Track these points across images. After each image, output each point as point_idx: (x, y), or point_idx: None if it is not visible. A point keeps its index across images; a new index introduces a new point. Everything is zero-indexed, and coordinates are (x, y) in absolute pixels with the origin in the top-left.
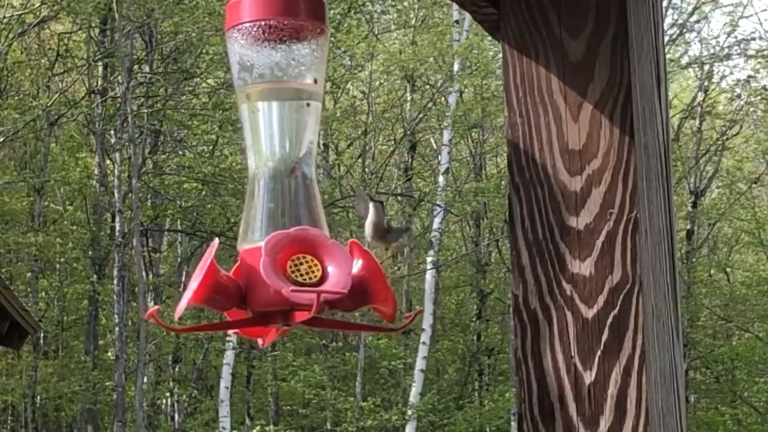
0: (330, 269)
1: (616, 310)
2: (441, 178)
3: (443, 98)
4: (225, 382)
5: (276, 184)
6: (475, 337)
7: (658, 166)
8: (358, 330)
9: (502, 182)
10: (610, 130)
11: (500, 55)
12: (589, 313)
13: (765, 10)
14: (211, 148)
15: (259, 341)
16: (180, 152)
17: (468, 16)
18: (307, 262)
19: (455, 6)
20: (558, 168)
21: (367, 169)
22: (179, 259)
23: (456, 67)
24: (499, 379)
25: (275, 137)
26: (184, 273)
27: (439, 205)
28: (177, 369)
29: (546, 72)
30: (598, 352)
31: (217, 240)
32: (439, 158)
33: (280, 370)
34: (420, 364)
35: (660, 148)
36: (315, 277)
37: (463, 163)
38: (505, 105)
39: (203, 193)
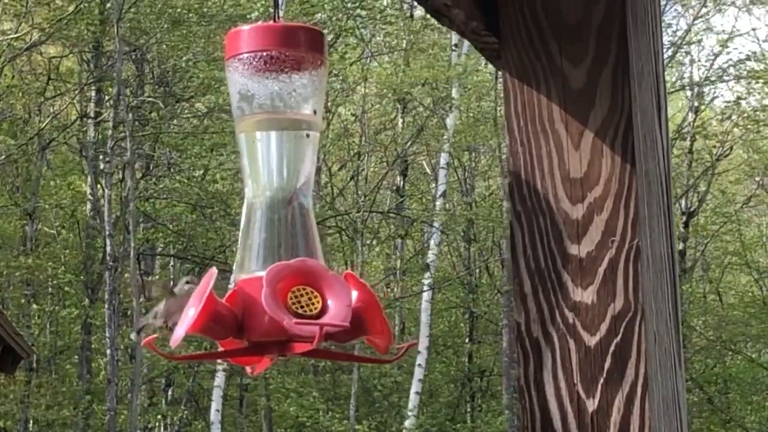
0: (330, 302)
1: (618, 338)
2: (438, 201)
3: (438, 120)
4: (216, 405)
5: (273, 214)
6: (466, 359)
7: (659, 192)
8: (351, 361)
9: (493, 205)
10: (612, 158)
11: (496, 78)
12: (592, 341)
13: (755, 29)
14: (202, 172)
15: (248, 369)
16: (172, 176)
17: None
18: (307, 294)
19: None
20: (559, 196)
21: (360, 191)
22: (171, 283)
23: (455, 91)
24: (492, 401)
25: (274, 167)
26: None
27: (435, 228)
28: (170, 392)
29: (547, 100)
30: (601, 380)
31: (215, 269)
32: (432, 180)
33: (274, 393)
34: (416, 386)
35: (661, 175)
36: (315, 309)
37: (455, 185)
38: (506, 133)
39: (194, 216)
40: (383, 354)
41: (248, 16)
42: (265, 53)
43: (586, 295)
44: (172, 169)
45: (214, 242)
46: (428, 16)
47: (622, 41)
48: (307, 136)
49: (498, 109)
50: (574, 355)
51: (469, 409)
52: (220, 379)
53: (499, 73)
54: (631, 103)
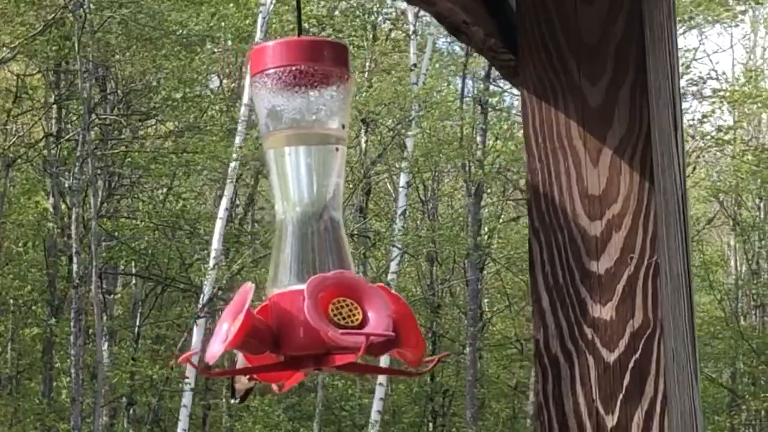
0: (370, 313)
1: (637, 355)
2: (398, 221)
3: (401, 141)
4: (183, 425)
5: (305, 228)
6: (429, 378)
7: (676, 210)
8: (383, 374)
9: (453, 228)
10: (630, 176)
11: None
12: (611, 357)
13: (716, 51)
14: (165, 191)
15: (275, 387)
16: (136, 196)
17: (425, 60)
18: (347, 305)
19: (413, 49)
20: (578, 213)
21: None
22: (133, 301)
23: (414, 111)
24: (454, 419)
25: (304, 182)
26: (138, 315)
27: (397, 247)
28: (132, 411)
29: (565, 118)
30: (620, 396)
31: (251, 284)
32: (394, 200)
33: (238, 411)
34: (377, 405)
35: (678, 193)
36: (356, 320)
37: (416, 206)
38: (525, 150)
39: (156, 235)
40: (415, 366)
41: (217, 35)
42: (294, 68)
43: (605, 312)
44: (135, 188)
45: (176, 261)
46: (393, 36)
47: (641, 59)
48: (337, 150)
49: (463, 129)
50: (593, 372)
51: (431, 428)
52: (187, 398)
53: (467, 91)
54: (649, 121)
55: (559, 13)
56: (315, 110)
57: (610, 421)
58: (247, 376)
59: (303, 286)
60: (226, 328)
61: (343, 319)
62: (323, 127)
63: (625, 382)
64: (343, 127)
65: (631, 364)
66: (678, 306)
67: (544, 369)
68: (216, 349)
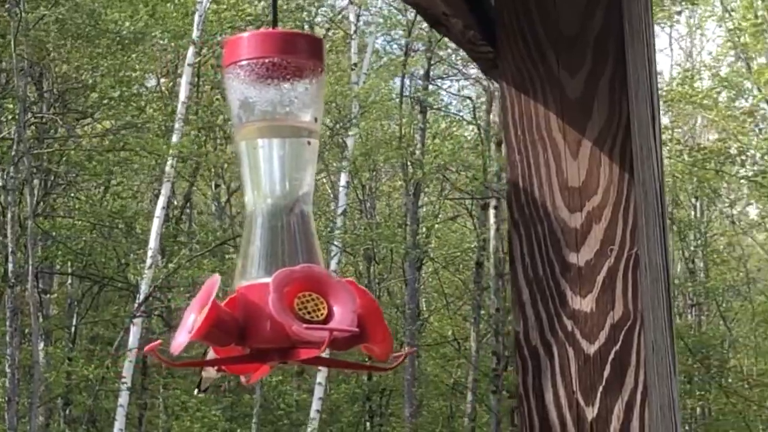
0: (335, 308)
1: (617, 346)
2: (338, 220)
3: (341, 140)
4: (120, 424)
5: (274, 221)
6: (366, 377)
7: (655, 202)
8: (351, 368)
9: (390, 225)
10: (610, 167)
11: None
12: (591, 349)
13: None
14: (102, 190)
15: (243, 378)
16: (72, 195)
17: (366, 60)
18: (313, 299)
19: (354, 49)
20: (558, 205)
21: None
22: (69, 301)
23: (354, 110)
24: (391, 419)
25: (275, 175)
26: (75, 315)
27: (337, 246)
28: (68, 411)
29: (544, 109)
30: (600, 388)
31: (218, 276)
32: (333, 200)
33: (174, 411)
34: (316, 404)
35: (656, 185)
36: (321, 315)
37: (354, 205)
38: (504, 142)
39: (93, 234)
40: (382, 361)
41: (154, 33)
42: (267, 60)
43: (585, 304)
44: (72, 187)
45: (113, 261)
46: (331, 35)
47: (620, 51)
48: (309, 143)
49: (402, 128)
50: (573, 363)
51: (368, 428)
52: (124, 398)
53: (406, 92)
54: (629, 112)
55: (537, 4)
56: (288, 102)
57: (591, 412)
58: (215, 368)
59: (270, 279)
60: (193, 319)
61: (308, 313)
62: (296, 120)
63: (606, 373)
64: (316, 120)
65: (611, 356)
66: (657, 297)
67: (524, 361)
68: (182, 339)
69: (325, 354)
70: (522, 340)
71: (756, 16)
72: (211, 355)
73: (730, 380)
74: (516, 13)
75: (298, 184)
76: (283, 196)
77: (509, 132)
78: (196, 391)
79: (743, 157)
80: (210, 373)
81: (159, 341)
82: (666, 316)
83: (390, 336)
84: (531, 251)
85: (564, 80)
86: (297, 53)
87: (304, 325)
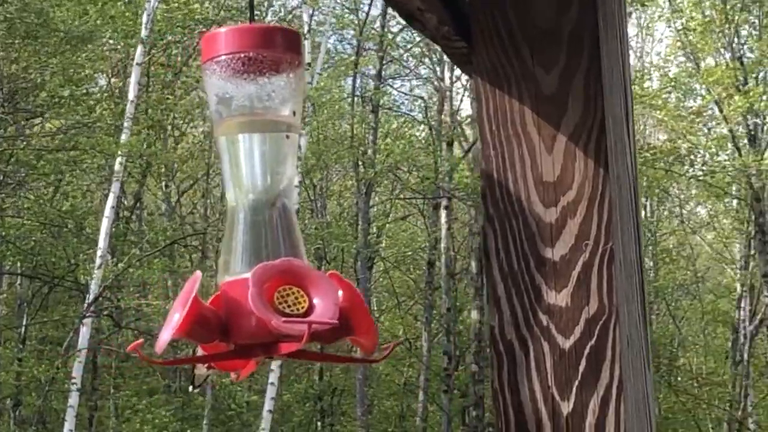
0: (316, 300)
1: (593, 341)
2: None
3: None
4: (69, 425)
5: (256, 216)
6: (317, 377)
7: (629, 197)
8: (337, 362)
9: (341, 223)
10: (585, 162)
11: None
12: (566, 344)
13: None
14: (52, 189)
15: (233, 375)
16: (21, 194)
17: (320, 59)
18: (293, 293)
19: (307, 48)
20: (533, 200)
21: (210, 210)
22: (19, 301)
23: (308, 110)
24: (342, 418)
25: (256, 169)
26: (24, 315)
27: None
28: (18, 412)
29: (519, 105)
30: (576, 382)
31: (199, 273)
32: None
33: (124, 412)
34: (268, 404)
35: (630, 180)
36: (302, 308)
37: (306, 204)
38: (479, 138)
39: (43, 234)
40: (369, 354)
41: (104, 33)
42: (243, 55)
43: (560, 298)
44: (22, 187)
45: (63, 261)
46: None
47: (594, 46)
48: (287, 137)
49: (353, 128)
50: (548, 358)
51: (319, 427)
52: (74, 399)
53: (357, 92)
54: (603, 107)
55: None
56: (265, 97)
57: (566, 407)
58: (206, 365)
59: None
60: (177, 317)
61: (289, 307)
62: (275, 114)
63: (581, 368)
64: (295, 114)
65: (586, 351)
66: (632, 292)
67: (499, 356)
68: (164, 337)
69: (315, 348)
70: (497, 335)
71: (704, 15)
72: (199, 352)
73: (679, 379)
74: (490, 9)
75: (279, 178)
76: (264, 190)
77: (484, 127)
78: (190, 387)
79: (692, 157)
80: (201, 370)
81: (141, 341)
82: (640, 311)
83: (375, 328)
84: (506, 246)
85: (539, 75)
86: (273, 47)
87: (283, 319)
